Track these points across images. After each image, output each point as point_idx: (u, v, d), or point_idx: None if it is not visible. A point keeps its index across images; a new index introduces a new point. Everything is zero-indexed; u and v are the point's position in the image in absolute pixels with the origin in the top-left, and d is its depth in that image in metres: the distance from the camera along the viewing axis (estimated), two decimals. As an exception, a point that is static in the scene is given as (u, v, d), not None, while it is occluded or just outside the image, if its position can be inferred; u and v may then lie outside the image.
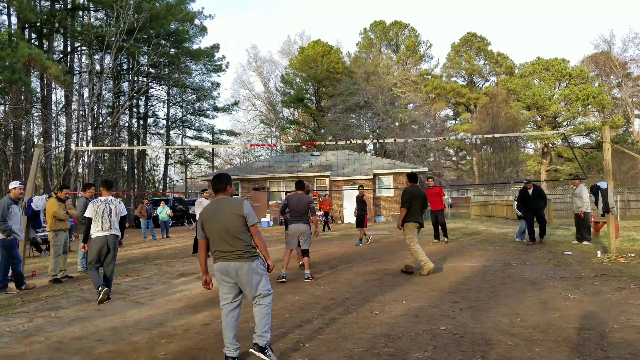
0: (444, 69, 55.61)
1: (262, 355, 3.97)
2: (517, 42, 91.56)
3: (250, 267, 4.03)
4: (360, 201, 13.60)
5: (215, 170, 44.81)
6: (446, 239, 13.13)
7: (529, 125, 50.48)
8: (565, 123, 48.66)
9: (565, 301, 5.78)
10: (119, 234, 6.99)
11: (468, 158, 55.59)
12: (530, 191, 12.14)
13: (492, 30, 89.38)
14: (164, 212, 19.18)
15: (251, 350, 4.05)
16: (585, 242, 11.32)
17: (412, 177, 8.50)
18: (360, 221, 13.56)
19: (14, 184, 8.13)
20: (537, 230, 12.24)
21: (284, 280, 7.75)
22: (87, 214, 6.77)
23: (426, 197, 8.45)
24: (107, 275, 6.91)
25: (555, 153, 49.99)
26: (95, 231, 6.72)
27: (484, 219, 25.88)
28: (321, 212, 21.40)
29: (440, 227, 13.25)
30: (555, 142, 49.67)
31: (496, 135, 14.39)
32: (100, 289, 6.51)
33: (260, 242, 4.14)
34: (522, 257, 9.75)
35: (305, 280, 7.84)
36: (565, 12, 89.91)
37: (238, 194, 28.44)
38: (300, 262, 8.95)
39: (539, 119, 49.58)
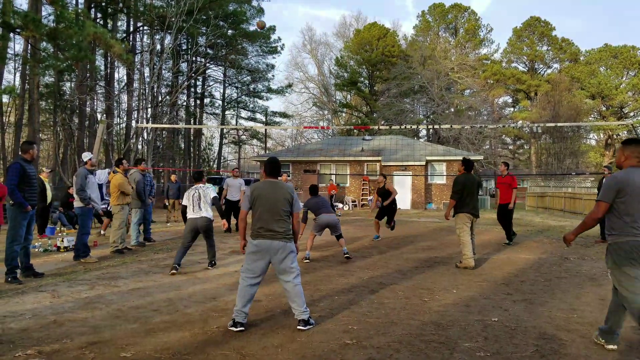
0: (504, 54, 53.58)
1: (309, 327, 4.38)
2: (583, 28, 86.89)
3: (290, 248, 4.44)
4: (382, 191, 11.31)
5: (267, 152, 45.36)
6: (509, 242, 10.49)
7: (592, 115, 48.17)
8: (632, 114, 46.14)
9: (626, 300, 5.53)
10: (209, 216, 7.39)
11: (526, 147, 53.63)
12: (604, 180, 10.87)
13: (557, 14, 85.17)
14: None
15: (299, 327, 4.34)
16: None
17: (468, 164, 7.95)
18: (381, 213, 11.40)
19: (87, 155, 8.45)
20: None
21: (308, 260, 8.24)
22: (183, 202, 7.48)
23: (480, 184, 8.16)
24: (208, 249, 7.64)
25: (619, 145, 47.51)
26: (189, 214, 7.33)
27: (540, 210, 25.04)
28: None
29: (504, 226, 10.60)
30: (620, 134, 47.22)
31: (558, 124, 13.74)
32: (174, 267, 7.02)
33: (297, 228, 4.61)
34: (580, 251, 9.38)
35: (345, 256, 8.35)
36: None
37: (289, 175, 28.75)
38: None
39: (604, 108, 47.20)
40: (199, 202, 7.28)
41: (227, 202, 12.37)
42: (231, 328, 4.31)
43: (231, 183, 12.63)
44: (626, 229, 3.65)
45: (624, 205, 3.65)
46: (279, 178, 4.68)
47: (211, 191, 7.48)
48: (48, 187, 11.22)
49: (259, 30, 12.23)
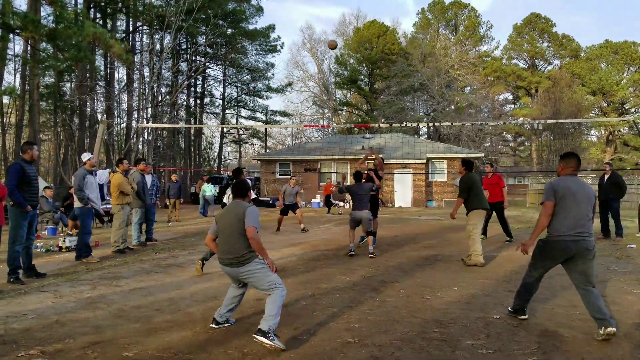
0: (505, 51, 53.48)
1: (264, 339, 3.76)
2: (584, 24, 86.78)
3: (248, 270, 4.14)
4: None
5: (268, 151, 45.35)
6: (510, 239, 10.51)
7: (593, 112, 48.07)
8: (633, 110, 46.06)
9: (627, 296, 5.54)
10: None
11: (527, 144, 53.57)
12: (606, 177, 10.82)
13: (558, 11, 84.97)
14: (209, 189, 19.53)
15: (254, 336, 3.83)
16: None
17: (468, 164, 7.96)
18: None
19: (87, 156, 8.45)
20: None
21: (352, 253, 8.40)
22: (224, 200, 7.54)
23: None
24: None
25: (620, 141, 47.48)
26: None
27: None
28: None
29: (501, 224, 10.67)
30: (622, 130, 47.16)
31: (559, 120, 13.71)
32: (200, 260, 7.04)
33: (255, 244, 4.08)
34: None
35: (370, 255, 8.31)
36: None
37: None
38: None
39: (605, 104, 47.12)
40: None
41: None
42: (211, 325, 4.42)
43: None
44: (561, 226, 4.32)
45: (562, 205, 4.32)
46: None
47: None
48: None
49: (330, 49, 11.97)
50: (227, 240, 4.16)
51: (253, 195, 12.17)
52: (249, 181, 4.79)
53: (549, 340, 4.04)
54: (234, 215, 4.17)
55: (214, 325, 4.37)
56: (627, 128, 46.06)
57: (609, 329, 3.96)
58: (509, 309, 4.80)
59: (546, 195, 4.44)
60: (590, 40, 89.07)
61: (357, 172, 8.88)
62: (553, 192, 4.37)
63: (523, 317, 4.62)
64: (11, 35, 20.98)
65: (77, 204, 8.07)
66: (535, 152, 48.99)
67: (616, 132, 47.35)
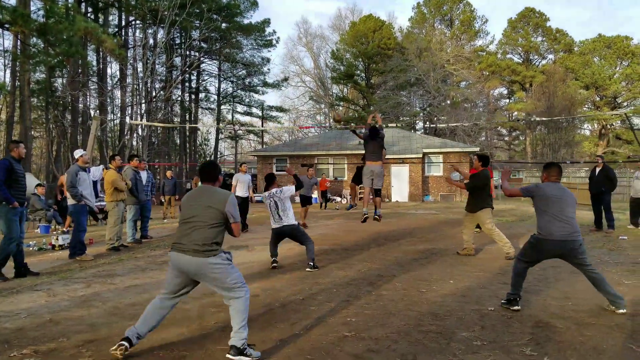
0: (500, 46, 53.51)
1: (242, 357, 3.47)
2: (577, 18, 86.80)
3: (215, 262, 3.61)
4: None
5: (264, 147, 45.28)
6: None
7: (586, 106, 48.23)
8: (625, 104, 46.20)
9: (619, 286, 5.54)
10: (291, 222, 7.08)
11: (521, 138, 53.69)
12: (597, 170, 10.88)
13: (552, 5, 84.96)
14: None
15: (228, 356, 3.50)
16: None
17: (486, 160, 7.79)
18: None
19: (79, 152, 8.39)
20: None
21: (367, 216, 8.36)
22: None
23: None
24: (306, 251, 7.19)
25: (613, 135, 47.67)
26: (271, 223, 7.24)
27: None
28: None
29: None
30: (614, 124, 47.33)
31: (552, 118, 13.70)
32: (272, 261, 7.14)
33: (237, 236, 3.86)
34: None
35: (374, 217, 8.25)
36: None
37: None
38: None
39: (598, 99, 47.26)
40: (277, 211, 6.97)
41: (236, 198, 12.28)
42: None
43: (241, 179, 12.51)
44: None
45: (542, 206, 4.68)
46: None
47: (288, 193, 7.06)
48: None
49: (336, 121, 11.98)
50: (196, 227, 3.63)
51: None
52: (219, 165, 4.29)
53: (542, 331, 4.06)
54: (207, 203, 3.69)
55: (126, 344, 3.58)
56: (619, 122, 46.25)
57: (621, 310, 4.48)
58: (502, 301, 4.88)
59: (526, 189, 4.92)
60: (583, 35, 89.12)
61: (373, 127, 8.47)
62: (532, 193, 4.79)
63: (516, 308, 4.68)
64: (0, 30, 20.79)
65: (70, 200, 8.01)
66: (530, 146, 49.15)
67: (609, 126, 47.53)
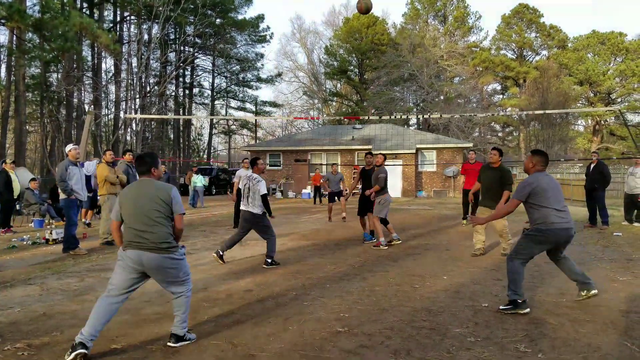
0: (493, 42, 53.51)
1: (183, 343, 3.68)
2: (571, 14, 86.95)
3: (169, 259, 3.63)
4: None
5: (258, 142, 45.19)
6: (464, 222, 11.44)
7: (580, 102, 48.39)
8: (619, 100, 46.40)
9: (613, 283, 5.60)
10: (254, 211, 6.98)
11: (515, 134, 53.85)
12: (592, 166, 10.85)
13: (546, 1, 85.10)
14: (199, 180, 19.48)
15: (169, 344, 3.65)
16: (636, 224, 10.86)
17: (502, 153, 7.45)
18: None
19: (70, 147, 8.37)
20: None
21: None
22: (239, 186, 7.55)
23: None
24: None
25: (607, 131, 47.90)
26: (241, 204, 7.34)
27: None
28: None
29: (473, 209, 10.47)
30: (608, 120, 47.54)
31: (547, 111, 13.77)
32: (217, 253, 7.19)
33: (180, 233, 3.80)
34: (569, 237, 9.44)
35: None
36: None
37: (280, 166, 28.66)
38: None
39: (592, 95, 47.43)
40: (247, 195, 7.00)
41: (239, 193, 12.30)
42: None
43: (243, 174, 12.45)
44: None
45: (538, 201, 4.51)
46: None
47: (262, 186, 6.98)
48: (15, 178, 11.05)
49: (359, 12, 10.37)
50: (146, 223, 3.58)
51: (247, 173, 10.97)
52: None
53: (536, 327, 4.08)
54: (149, 197, 3.62)
55: (84, 351, 3.39)
56: (613, 118, 46.45)
57: (593, 291, 4.64)
58: (506, 307, 4.54)
59: (519, 193, 4.61)
60: (577, 31, 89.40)
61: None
62: (527, 194, 4.57)
63: (526, 311, 4.42)
64: (-4, 26, 20.66)
65: (62, 195, 7.98)
66: (523, 142, 49.30)
67: (603, 122, 47.70)
